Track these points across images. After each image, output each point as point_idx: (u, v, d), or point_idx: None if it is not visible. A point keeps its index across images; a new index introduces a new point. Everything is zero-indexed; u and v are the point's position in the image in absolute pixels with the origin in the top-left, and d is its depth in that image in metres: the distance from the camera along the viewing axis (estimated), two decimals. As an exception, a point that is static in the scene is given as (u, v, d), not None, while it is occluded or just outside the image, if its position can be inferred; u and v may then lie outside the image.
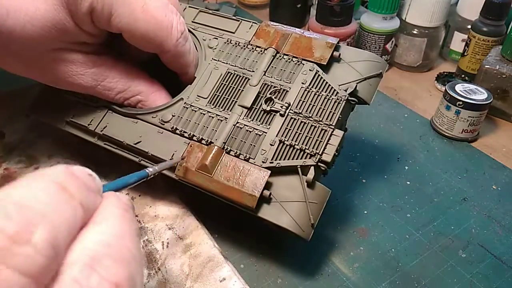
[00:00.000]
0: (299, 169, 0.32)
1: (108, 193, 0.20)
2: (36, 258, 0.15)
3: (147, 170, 0.27)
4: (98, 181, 0.19)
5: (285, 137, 0.33)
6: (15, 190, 0.17)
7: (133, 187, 0.34)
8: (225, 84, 0.36)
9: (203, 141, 0.34)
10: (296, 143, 0.33)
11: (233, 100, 0.35)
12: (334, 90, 0.34)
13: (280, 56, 0.37)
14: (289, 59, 0.36)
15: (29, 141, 0.44)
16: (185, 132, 0.35)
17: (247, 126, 0.34)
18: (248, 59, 0.37)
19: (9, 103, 0.48)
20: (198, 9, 0.41)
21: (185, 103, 0.36)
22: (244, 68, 0.37)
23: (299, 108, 0.34)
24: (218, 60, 0.38)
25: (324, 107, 0.34)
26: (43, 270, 0.15)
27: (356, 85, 0.35)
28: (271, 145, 0.33)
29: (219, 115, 0.35)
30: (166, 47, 0.33)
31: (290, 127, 0.33)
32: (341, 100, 0.34)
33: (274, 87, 0.35)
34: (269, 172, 0.32)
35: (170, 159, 0.33)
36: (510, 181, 0.45)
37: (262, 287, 0.34)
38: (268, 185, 0.32)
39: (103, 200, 0.19)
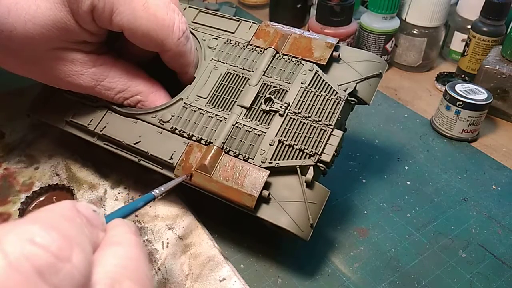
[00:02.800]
0: (298, 169, 0.32)
1: (116, 220, 0.21)
2: (76, 276, 0.15)
3: (153, 193, 0.27)
4: (101, 217, 0.20)
5: (284, 137, 0.33)
6: (43, 214, 0.17)
7: (133, 187, 0.34)
8: (224, 84, 0.36)
9: (202, 141, 0.34)
10: (295, 143, 0.33)
11: (232, 100, 0.35)
12: (334, 90, 0.34)
13: (279, 56, 0.37)
14: (288, 59, 0.36)
15: (29, 141, 0.44)
16: (184, 132, 0.35)
17: (246, 126, 0.34)
18: (247, 59, 0.37)
19: (9, 103, 0.49)
20: (198, 9, 0.41)
21: (184, 103, 0.36)
22: (243, 68, 0.37)
23: (299, 108, 0.34)
24: (218, 60, 0.38)
25: (324, 107, 0.34)
26: None
27: (356, 85, 0.35)
28: (270, 145, 0.33)
29: (218, 115, 0.35)
30: (167, 45, 0.34)
31: (289, 127, 0.33)
32: (340, 100, 0.34)
33: (274, 87, 0.35)
34: (268, 172, 0.32)
35: (177, 178, 0.33)
36: (510, 181, 0.45)
37: (262, 287, 0.34)
38: (267, 185, 0.32)
39: (114, 227, 0.20)
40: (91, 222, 0.18)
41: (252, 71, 0.36)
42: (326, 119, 0.33)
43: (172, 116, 0.36)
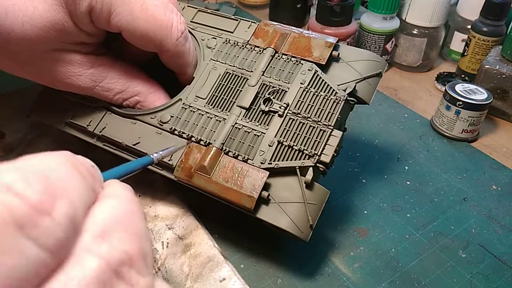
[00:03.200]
0: (297, 170, 0.32)
1: (111, 180, 0.20)
2: (56, 231, 0.14)
3: (152, 156, 0.26)
4: (99, 172, 0.19)
5: (283, 138, 0.33)
6: (34, 160, 0.16)
7: (133, 188, 0.33)
8: (223, 85, 0.36)
9: (202, 142, 0.34)
10: (295, 144, 0.33)
11: (231, 101, 0.35)
12: (333, 90, 0.34)
13: (278, 56, 0.37)
14: (287, 59, 0.36)
15: (29, 141, 0.44)
16: (184, 133, 0.35)
17: (246, 126, 0.34)
18: (246, 59, 0.37)
19: (9, 103, 0.49)
20: (196, 8, 0.41)
21: (183, 103, 0.36)
22: (242, 68, 0.37)
23: (298, 109, 0.34)
24: (217, 60, 0.38)
25: (323, 107, 0.34)
26: (61, 245, 0.15)
27: (355, 85, 0.35)
28: (269, 146, 0.33)
29: (217, 116, 0.35)
30: (165, 46, 0.33)
31: (289, 127, 0.33)
32: (340, 100, 0.34)
33: (273, 87, 0.35)
34: (268, 173, 0.32)
35: (174, 146, 0.32)
36: (510, 181, 0.45)
37: (262, 287, 0.34)
38: (266, 186, 0.32)
39: (109, 184, 0.19)
40: (91, 174, 0.18)
41: (251, 71, 0.36)
42: (325, 119, 0.33)
43: (171, 116, 0.36)
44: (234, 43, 0.38)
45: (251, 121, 0.34)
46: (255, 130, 0.34)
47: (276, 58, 0.37)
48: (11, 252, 0.13)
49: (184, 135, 0.35)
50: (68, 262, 0.15)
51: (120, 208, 0.18)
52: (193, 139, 0.34)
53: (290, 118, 0.34)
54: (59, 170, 0.16)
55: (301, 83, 0.35)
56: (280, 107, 0.34)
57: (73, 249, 0.15)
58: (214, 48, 0.38)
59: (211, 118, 0.35)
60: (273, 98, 0.35)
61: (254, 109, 0.35)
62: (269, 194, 0.32)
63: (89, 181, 0.18)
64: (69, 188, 0.16)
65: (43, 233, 0.14)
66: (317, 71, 0.35)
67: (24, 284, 0.14)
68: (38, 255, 0.14)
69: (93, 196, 0.18)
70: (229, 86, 0.36)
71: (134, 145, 0.35)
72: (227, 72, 0.37)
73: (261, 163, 0.32)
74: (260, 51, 0.37)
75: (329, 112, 0.33)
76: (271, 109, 0.34)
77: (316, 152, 0.32)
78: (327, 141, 0.33)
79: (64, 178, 0.16)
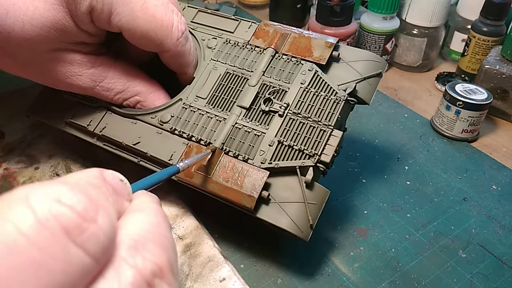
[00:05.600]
0: (298, 169, 0.32)
1: (140, 191, 0.21)
2: (101, 238, 0.15)
3: (178, 165, 0.27)
4: (128, 187, 0.20)
5: (283, 138, 0.33)
6: (72, 177, 0.17)
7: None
8: (224, 85, 0.36)
9: (202, 142, 0.34)
10: (295, 144, 0.33)
11: (232, 101, 0.35)
12: (333, 90, 0.34)
13: (279, 56, 0.37)
14: (288, 59, 0.36)
15: (29, 141, 0.44)
16: (184, 133, 0.35)
17: (246, 126, 0.34)
18: (247, 59, 0.37)
19: (9, 103, 0.49)
20: (197, 8, 0.41)
21: (184, 103, 0.36)
22: (243, 68, 0.37)
23: (298, 109, 0.34)
24: (217, 60, 0.38)
25: (323, 107, 0.34)
26: (104, 251, 0.15)
27: (356, 85, 0.35)
28: (269, 145, 0.33)
29: (218, 116, 0.35)
30: (166, 46, 0.33)
31: (289, 127, 0.33)
32: (340, 100, 0.34)
33: (273, 87, 0.35)
34: (268, 173, 0.32)
35: (202, 153, 0.32)
36: (510, 181, 0.45)
37: (262, 287, 0.34)
38: (266, 186, 0.32)
39: (137, 196, 0.20)
40: (116, 191, 0.19)
41: (252, 71, 0.36)
42: (325, 119, 0.33)
43: (172, 116, 0.36)
44: (235, 43, 0.38)
45: (251, 121, 0.34)
46: (256, 130, 0.34)
47: (277, 58, 0.37)
48: (61, 258, 0.14)
49: (184, 135, 0.35)
50: (107, 271, 0.16)
51: (150, 220, 0.19)
52: (193, 139, 0.34)
53: (290, 118, 0.34)
54: (95, 184, 0.17)
55: (301, 83, 0.35)
56: (280, 107, 0.34)
57: (111, 258, 0.16)
58: (214, 48, 0.38)
59: (211, 118, 0.35)
60: (274, 98, 0.35)
61: (254, 109, 0.35)
62: (269, 194, 0.32)
63: (120, 193, 0.19)
64: (106, 200, 0.17)
65: (90, 239, 0.15)
66: (317, 71, 0.35)
67: None
68: (85, 261, 0.15)
69: (123, 208, 0.19)
70: (230, 86, 0.36)
71: (134, 144, 0.35)
72: (228, 72, 0.37)
73: (261, 163, 0.33)
74: (260, 51, 0.37)
75: (329, 112, 0.34)
76: (271, 109, 0.34)
77: (316, 152, 0.32)
78: (327, 141, 0.33)
79: (100, 191, 0.17)
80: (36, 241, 0.14)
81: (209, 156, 0.32)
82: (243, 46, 0.38)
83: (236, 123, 0.34)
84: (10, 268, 0.13)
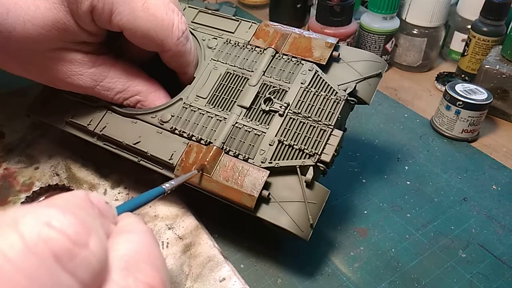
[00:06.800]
0: (298, 169, 0.32)
1: (123, 214, 0.21)
2: (93, 263, 0.15)
3: (163, 186, 0.27)
4: (113, 209, 0.20)
5: (284, 137, 0.33)
6: (60, 200, 0.17)
7: (133, 188, 0.33)
8: (224, 84, 0.36)
9: (202, 141, 0.34)
10: (295, 143, 0.33)
11: (232, 100, 0.35)
12: (333, 90, 0.34)
13: (279, 56, 0.37)
14: (288, 59, 0.36)
15: (29, 141, 0.44)
16: (184, 132, 0.35)
17: (246, 126, 0.34)
18: (247, 59, 0.37)
19: (9, 103, 0.49)
20: (197, 9, 0.41)
21: (184, 103, 0.36)
22: (243, 68, 0.37)
23: (298, 108, 0.34)
24: (218, 60, 0.38)
25: (323, 107, 0.34)
26: (97, 276, 0.15)
27: (356, 85, 0.35)
28: (270, 145, 0.33)
29: (218, 115, 0.35)
30: (166, 45, 0.34)
31: (289, 127, 0.33)
32: (340, 100, 0.34)
33: (273, 87, 0.35)
34: (268, 172, 0.32)
35: (189, 173, 0.32)
36: (510, 181, 0.45)
37: (262, 287, 0.34)
38: (267, 185, 0.32)
39: (123, 218, 0.20)
40: (102, 213, 0.18)
41: (252, 71, 0.36)
42: (326, 119, 0.33)
43: (172, 116, 0.36)
44: (235, 44, 0.38)
45: (251, 120, 0.34)
46: (256, 129, 0.34)
47: (277, 58, 0.37)
48: (49, 286, 0.13)
49: (185, 135, 0.35)
50: None
51: (140, 241, 0.18)
52: (193, 138, 0.34)
53: (290, 118, 0.34)
54: (83, 206, 0.17)
55: (301, 83, 0.35)
56: (280, 107, 0.34)
57: (103, 283, 0.16)
58: (215, 48, 0.38)
59: (211, 117, 0.35)
60: (274, 97, 0.35)
61: (254, 108, 0.35)
62: (269, 193, 0.32)
63: (106, 215, 0.19)
64: (95, 222, 0.17)
65: (81, 264, 0.14)
66: (318, 71, 0.35)
67: None
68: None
69: (109, 231, 0.19)
70: (230, 86, 0.36)
71: (134, 144, 0.35)
72: (228, 72, 0.37)
73: (262, 162, 0.33)
74: (260, 51, 0.37)
75: (329, 111, 0.34)
76: (271, 108, 0.34)
77: (316, 152, 0.32)
78: (327, 140, 0.33)
79: (89, 214, 0.17)
80: (23, 267, 0.13)
81: (194, 175, 0.32)
82: (243, 46, 0.38)
83: (236, 122, 0.34)
84: None
